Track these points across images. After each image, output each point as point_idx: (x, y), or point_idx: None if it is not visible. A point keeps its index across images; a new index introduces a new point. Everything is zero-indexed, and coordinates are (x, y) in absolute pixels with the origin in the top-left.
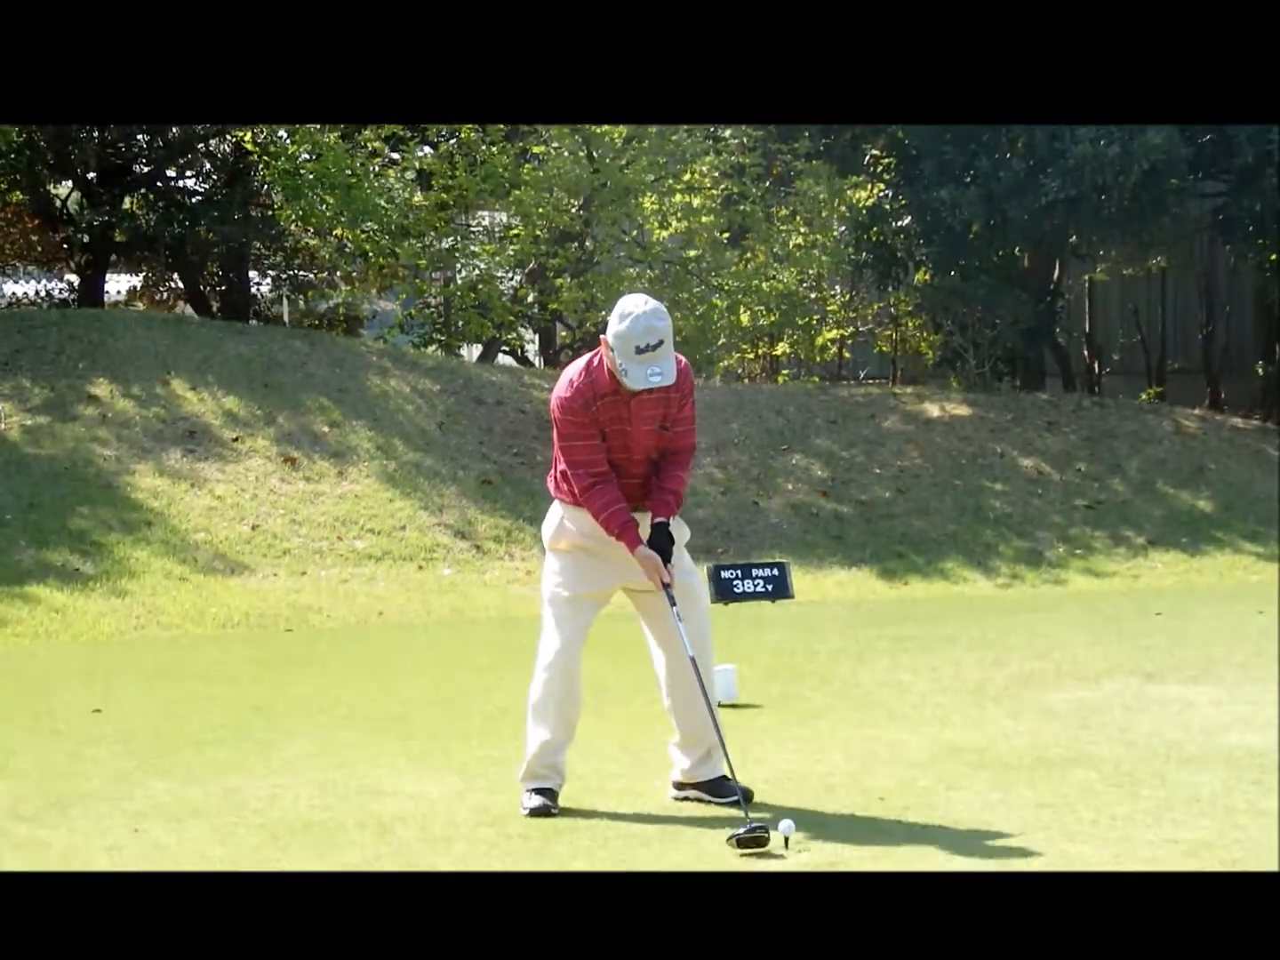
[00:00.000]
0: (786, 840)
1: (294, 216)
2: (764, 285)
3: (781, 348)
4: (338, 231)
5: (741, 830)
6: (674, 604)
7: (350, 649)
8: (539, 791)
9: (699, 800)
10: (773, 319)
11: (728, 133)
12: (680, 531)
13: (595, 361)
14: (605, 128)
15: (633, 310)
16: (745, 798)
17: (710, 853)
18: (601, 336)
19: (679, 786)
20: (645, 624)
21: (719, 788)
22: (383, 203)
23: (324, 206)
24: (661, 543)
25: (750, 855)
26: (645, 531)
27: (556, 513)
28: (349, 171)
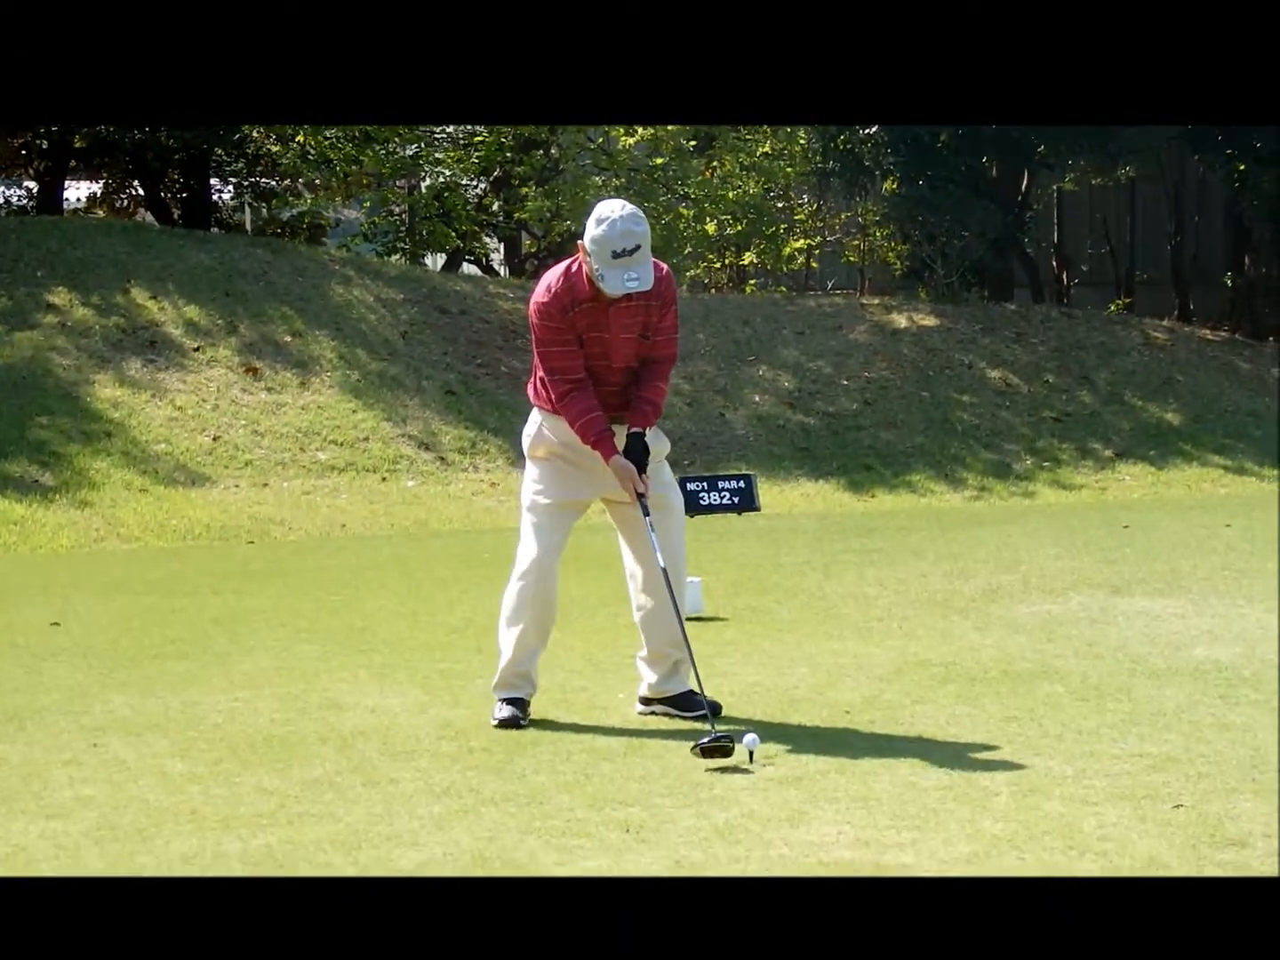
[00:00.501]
0: (751, 754)
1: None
2: (730, 194)
3: (748, 257)
4: (300, 138)
5: (705, 739)
6: (647, 514)
7: (312, 561)
8: (510, 701)
9: (666, 715)
10: (739, 228)
11: None
12: (659, 444)
13: (575, 267)
14: None
15: (609, 215)
16: (713, 712)
17: (674, 767)
18: (579, 242)
19: (645, 701)
20: (621, 535)
21: (686, 702)
22: None
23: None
24: (636, 453)
25: (715, 764)
26: (622, 441)
27: (535, 420)
28: None
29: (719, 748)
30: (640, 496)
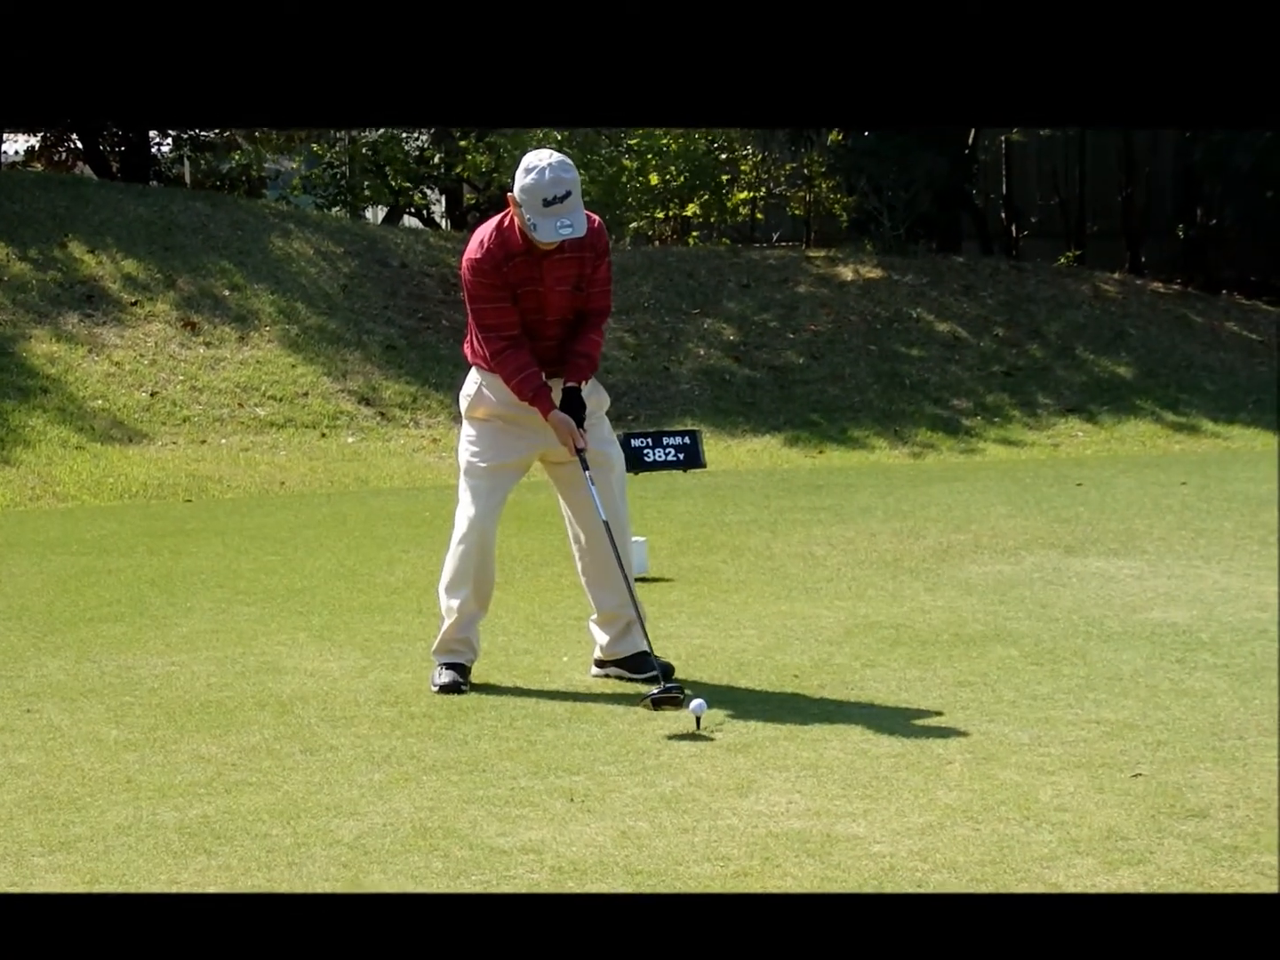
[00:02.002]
0: (698, 720)
1: None
2: (674, 145)
3: (692, 209)
4: None
5: (656, 691)
6: (586, 468)
7: (251, 520)
8: (451, 666)
9: (620, 678)
10: (682, 180)
11: None
12: (598, 397)
13: (506, 221)
14: None
15: (538, 163)
16: (665, 673)
17: (620, 733)
18: (508, 195)
19: (599, 664)
20: (560, 495)
21: (638, 663)
22: None
23: None
24: (573, 408)
25: (663, 730)
26: (559, 397)
27: (474, 380)
28: None
29: (669, 699)
30: (579, 452)
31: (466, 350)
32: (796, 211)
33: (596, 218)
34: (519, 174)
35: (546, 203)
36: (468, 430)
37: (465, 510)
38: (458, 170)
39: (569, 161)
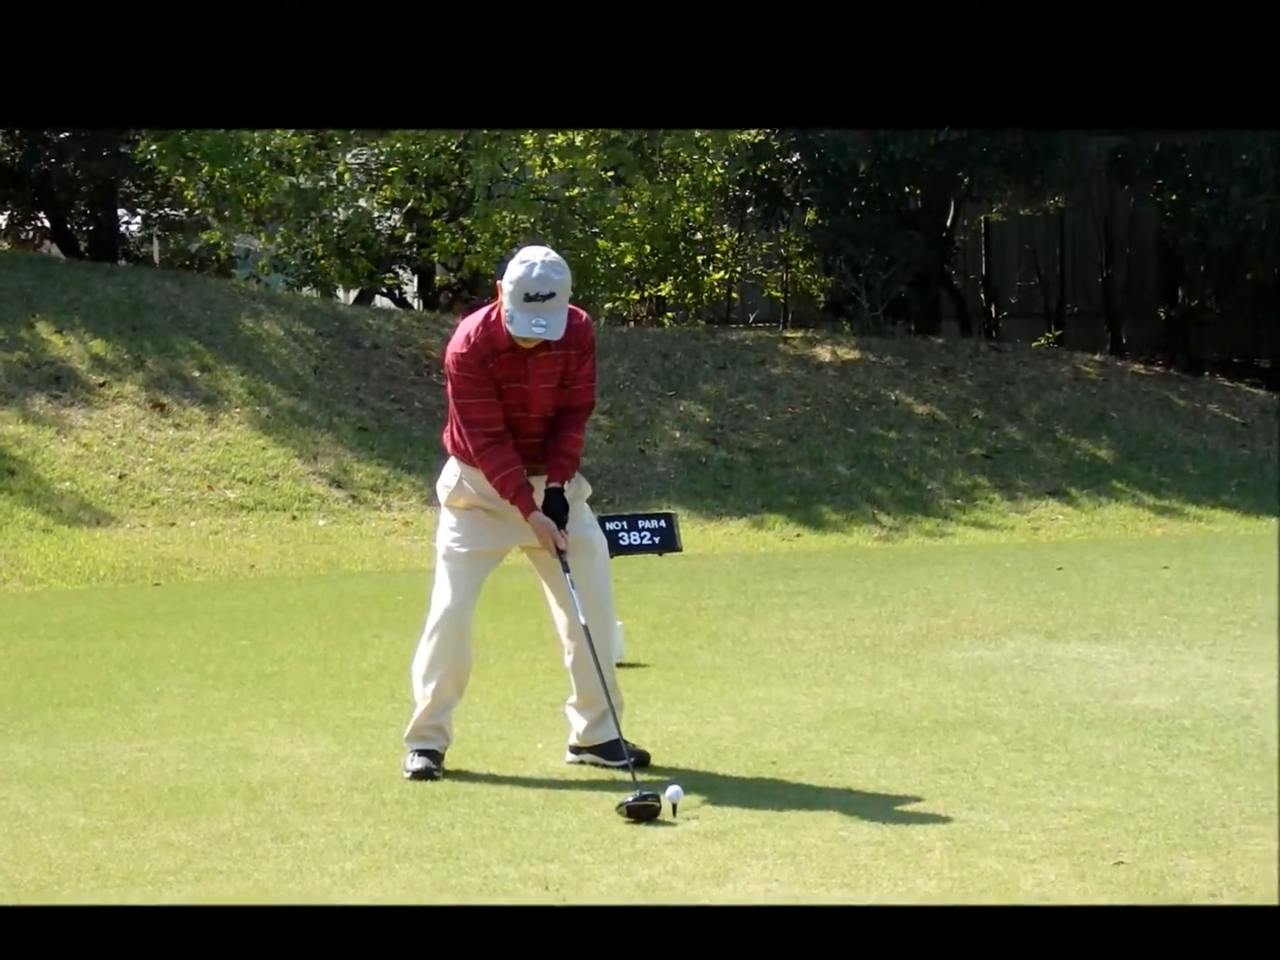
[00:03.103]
0: (675, 807)
1: (156, 158)
2: (649, 225)
3: (666, 288)
4: (205, 170)
5: (630, 798)
6: (568, 571)
7: (220, 604)
8: (423, 753)
9: (595, 764)
10: (657, 260)
11: None
12: (580, 487)
13: (493, 315)
14: None
15: (531, 258)
16: (639, 761)
17: (595, 820)
18: (497, 283)
19: (575, 750)
20: (544, 582)
21: (613, 750)
22: (248, 142)
23: (193, 152)
24: (555, 509)
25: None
26: (541, 496)
27: (454, 471)
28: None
29: (644, 807)
30: (560, 553)
31: (447, 441)
32: (774, 292)
33: (584, 314)
34: (512, 263)
35: (529, 298)
36: (447, 517)
37: (442, 595)
38: (425, 255)
39: (563, 264)
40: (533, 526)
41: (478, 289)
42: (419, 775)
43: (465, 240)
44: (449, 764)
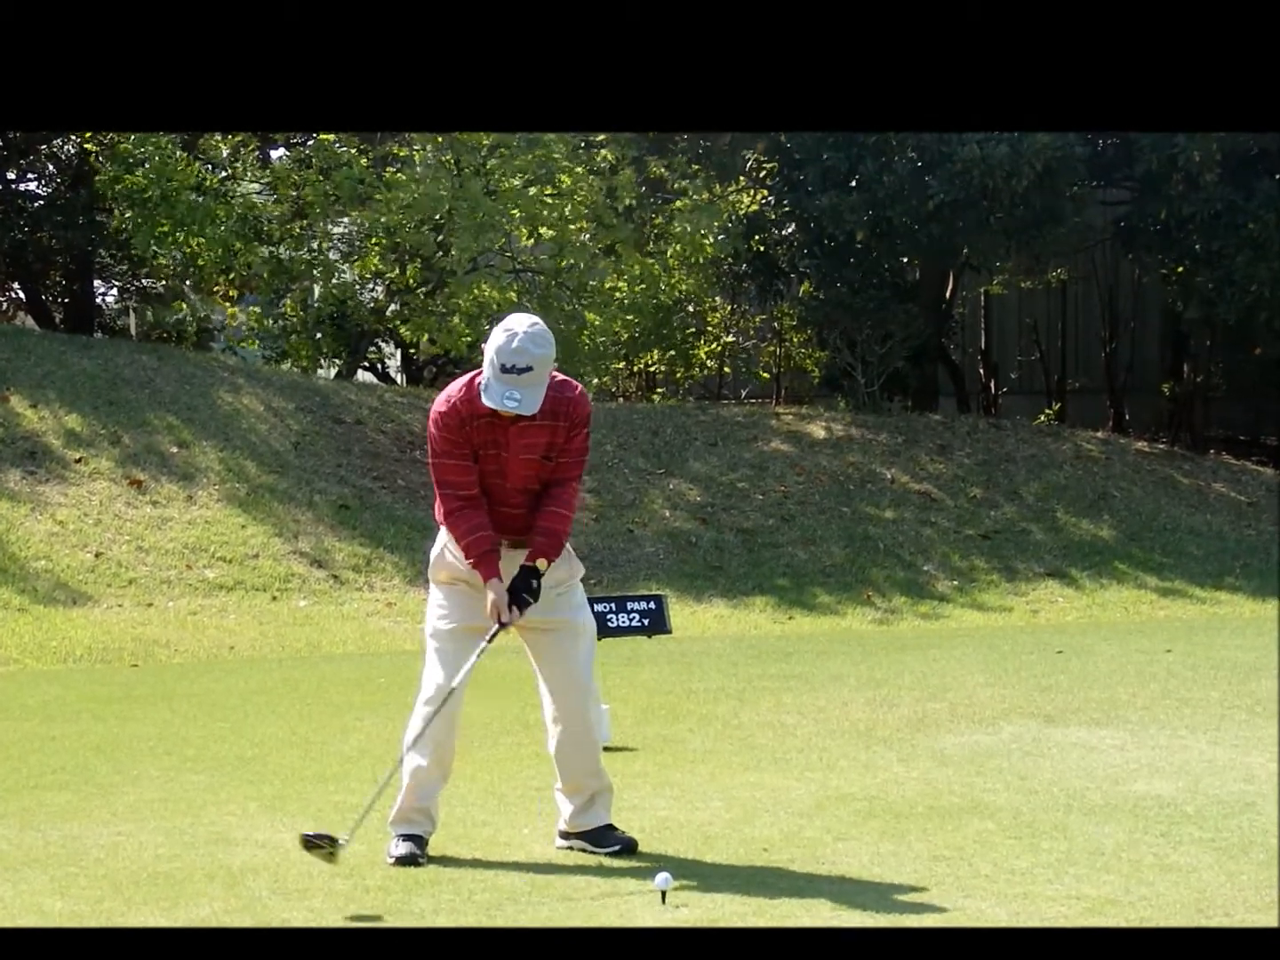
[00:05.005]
0: (664, 895)
1: (131, 228)
2: (640, 298)
3: (656, 361)
4: (180, 237)
5: (311, 833)
6: (489, 641)
7: (199, 685)
8: (408, 838)
9: (584, 850)
10: (648, 334)
11: (600, 137)
12: (571, 566)
13: (477, 379)
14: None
15: (514, 327)
16: (629, 848)
17: (581, 908)
18: (483, 345)
19: (564, 835)
20: (534, 663)
21: (601, 837)
22: (223, 214)
23: (166, 222)
24: (524, 585)
25: (622, 905)
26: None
27: (440, 541)
28: (191, 186)
29: (317, 845)
30: (501, 625)
31: (436, 510)
32: (764, 376)
33: (579, 386)
34: (495, 329)
35: (504, 369)
36: (434, 593)
37: (432, 673)
38: (403, 332)
39: (548, 337)
40: (486, 588)
41: (461, 363)
42: (402, 861)
43: (443, 313)
44: (433, 850)
